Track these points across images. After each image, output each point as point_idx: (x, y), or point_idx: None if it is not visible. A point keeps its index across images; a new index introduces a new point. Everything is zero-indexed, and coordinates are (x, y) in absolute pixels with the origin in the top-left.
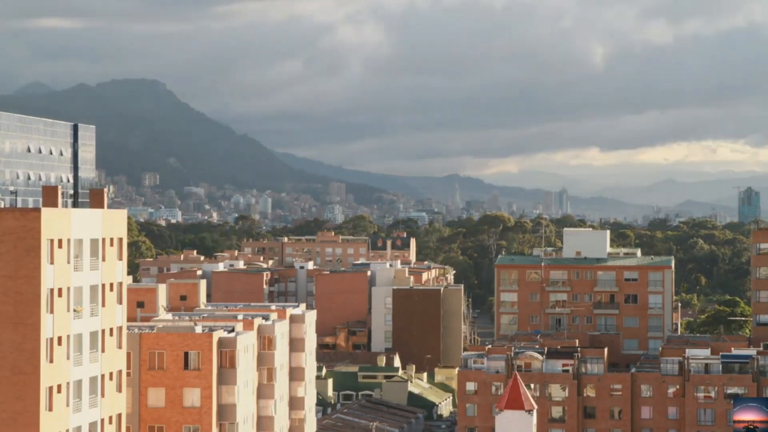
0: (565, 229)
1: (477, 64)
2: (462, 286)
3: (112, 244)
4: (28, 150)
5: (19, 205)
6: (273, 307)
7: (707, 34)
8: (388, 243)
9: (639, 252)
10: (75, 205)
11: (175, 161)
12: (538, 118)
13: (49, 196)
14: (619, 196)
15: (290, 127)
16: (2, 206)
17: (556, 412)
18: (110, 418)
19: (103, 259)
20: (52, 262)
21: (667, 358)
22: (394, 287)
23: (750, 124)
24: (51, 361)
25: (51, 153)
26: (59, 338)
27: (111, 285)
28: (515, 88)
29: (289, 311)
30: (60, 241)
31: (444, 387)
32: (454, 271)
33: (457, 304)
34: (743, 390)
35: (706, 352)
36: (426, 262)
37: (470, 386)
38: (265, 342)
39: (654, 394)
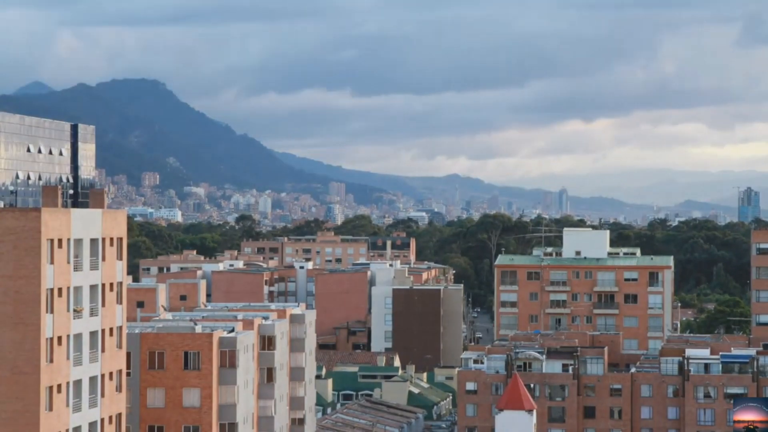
0: (565, 228)
1: None
2: (462, 286)
3: (112, 244)
4: (28, 150)
5: (19, 205)
6: (273, 307)
7: None
8: (388, 243)
9: (639, 252)
10: (75, 205)
11: (175, 161)
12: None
13: (49, 196)
14: (619, 196)
15: (290, 127)
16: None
17: (556, 412)
18: (110, 418)
19: (103, 259)
20: (52, 262)
21: (667, 358)
22: (394, 287)
23: None
24: (51, 361)
25: (51, 153)
26: (59, 338)
27: (111, 285)
28: None
29: (289, 311)
30: (60, 241)
31: (444, 387)
32: (454, 271)
33: (457, 304)
34: (743, 390)
35: (706, 352)
36: (426, 263)
37: (470, 386)
38: (265, 342)
39: (654, 394)
